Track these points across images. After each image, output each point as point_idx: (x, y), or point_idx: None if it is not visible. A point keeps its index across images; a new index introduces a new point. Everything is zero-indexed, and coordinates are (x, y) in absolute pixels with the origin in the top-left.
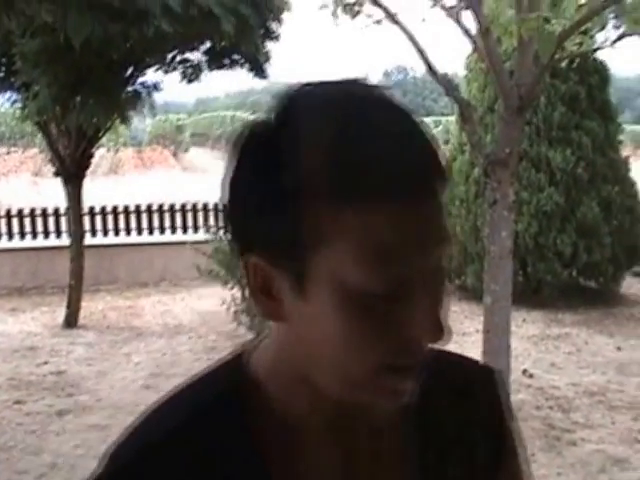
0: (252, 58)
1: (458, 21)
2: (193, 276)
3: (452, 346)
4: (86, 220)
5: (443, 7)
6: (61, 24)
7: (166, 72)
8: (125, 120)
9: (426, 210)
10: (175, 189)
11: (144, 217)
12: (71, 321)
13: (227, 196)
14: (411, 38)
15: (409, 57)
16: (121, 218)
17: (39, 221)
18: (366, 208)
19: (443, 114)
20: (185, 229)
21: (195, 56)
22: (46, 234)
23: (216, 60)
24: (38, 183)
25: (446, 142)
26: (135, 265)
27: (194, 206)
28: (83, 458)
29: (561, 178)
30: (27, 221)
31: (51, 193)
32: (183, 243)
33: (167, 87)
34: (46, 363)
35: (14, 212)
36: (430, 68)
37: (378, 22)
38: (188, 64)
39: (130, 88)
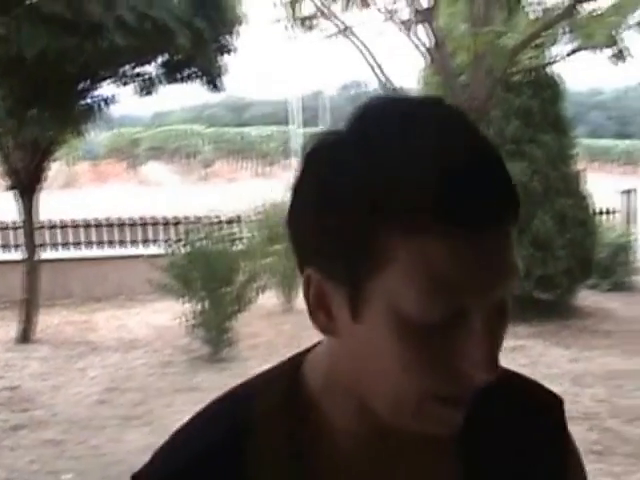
0: (207, 71)
1: (411, 35)
2: (149, 290)
3: None
4: (42, 234)
5: (397, 21)
6: (14, 36)
7: (124, 84)
8: (80, 133)
9: (492, 242)
10: (131, 203)
11: (100, 230)
12: (25, 336)
13: (290, 204)
14: (365, 52)
15: (368, 71)
16: (79, 231)
17: None
18: (427, 234)
19: None
20: (144, 242)
21: (150, 69)
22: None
23: (171, 73)
24: None
25: None
26: (91, 279)
27: (152, 219)
28: (38, 474)
29: None
30: None
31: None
32: (139, 257)
33: (124, 100)
34: (0, 378)
35: None
36: (384, 82)
37: (330, 37)
38: (143, 77)
39: (85, 102)
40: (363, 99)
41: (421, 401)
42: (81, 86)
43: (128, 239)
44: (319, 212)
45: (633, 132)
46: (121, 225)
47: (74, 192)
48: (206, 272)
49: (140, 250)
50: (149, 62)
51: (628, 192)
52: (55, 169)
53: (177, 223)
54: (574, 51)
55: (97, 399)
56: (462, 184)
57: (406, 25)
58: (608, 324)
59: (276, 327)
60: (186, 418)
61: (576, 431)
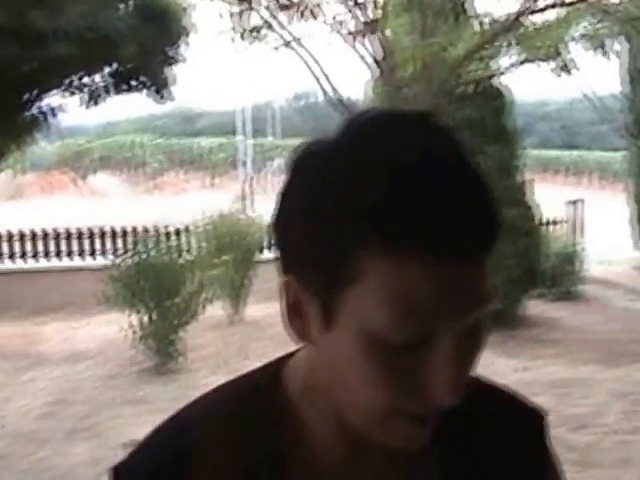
0: (154, 82)
1: (358, 47)
2: (97, 302)
3: None
4: None
5: (343, 33)
6: None
7: (71, 95)
8: (24, 144)
9: (466, 269)
10: (79, 213)
11: (47, 242)
12: None
13: (277, 209)
14: (311, 63)
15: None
16: (26, 242)
17: None
18: (402, 256)
19: None
20: (91, 254)
21: (97, 80)
22: None
23: (119, 84)
24: None
25: None
26: (38, 291)
27: (100, 230)
28: None
29: None
30: None
31: None
32: (88, 269)
33: (73, 111)
34: None
35: None
36: (330, 93)
37: (277, 48)
38: (90, 88)
39: (30, 112)
40: (313, 109)
41: (386, 415)
42: (26, 96)
43: (76, 250)
44: (303, 220)
45: (581, 143)
46: (69, 236)
47: (21, 203)
48: (154, 283)
49: (88, 261)
50: (96, 72)
51: (575, 202)
52: (1, 180)
53: (125, 234)
54: (519, 63)
55: (44, 411)
56: (443, 212)
57: (353, 37)
58: (555, 333)
59: (224, 338)
60: (133, 430)
61: None
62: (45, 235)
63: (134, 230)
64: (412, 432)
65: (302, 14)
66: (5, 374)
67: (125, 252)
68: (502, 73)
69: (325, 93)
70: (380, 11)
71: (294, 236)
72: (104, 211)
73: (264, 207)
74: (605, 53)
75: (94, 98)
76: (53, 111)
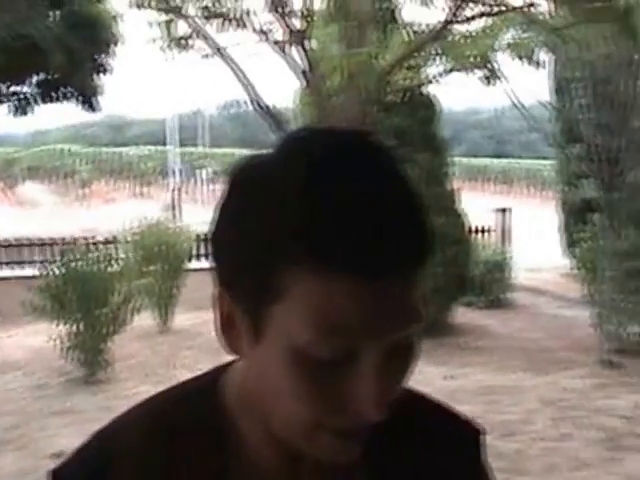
0: (83, 91)
1: (286, 56)
2: (25, 312)
3: None
4: None
5: (272, 42)
6: None
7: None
8: None
9: (390, 288)
10: (7, 223)
11: None
12: None
13: (215, 221)
14: (238, 72)
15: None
16: None
17: None
18: (326, 274)
19: None
20: (19, 264)
21: (25, 89)
22: None
23: (47, 93)
24: None
25: None
26: None
27: (28, 240)
28: None
29: None
30: None
31: None
32: (16, 278)
33: (1, 120)
34: None
35: None
36: (257, 102)
37: (206, 57)
38: (18, 96)
39: None
40: (242, 118)
41: (312, 429)
42: None
43: (4, 260)
44: (235, 234)
45: (510, 151)
46: None
47: None
48: (81, 293)
49: (16, 272)
50: (24, 81)
51: (503, 211)
52: None
53: (53, 244)
54: (446, 72)
55: None
56: (369, 233)
57: (280, 46)
58: (483, 341)
59: (152, 348)
60: (61, 441)
61: None
62: None
63: (62, 240)
64: (338, 446)
65: (229, 23)
66: None
67: (52, 262)
68: (430, 82)
69: (253, 102)
70: (305, 21)
71: (227, 249)
72: (33, 221)
73: (193, 216)
74: (530, 62)
75: (22, 107)
76: None
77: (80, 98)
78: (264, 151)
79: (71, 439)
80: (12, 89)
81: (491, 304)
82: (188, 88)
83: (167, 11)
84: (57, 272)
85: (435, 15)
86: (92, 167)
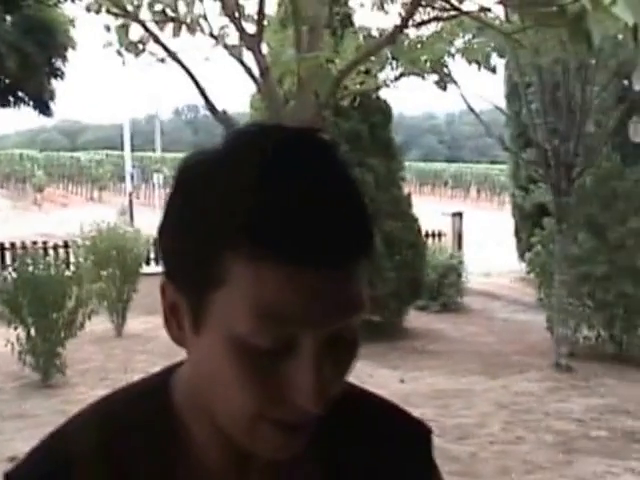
0: (37, 95)
1: (240, 61)
2: None
3: None
4: None
5: (226, 47)
6: None
7: None
8: None
9: (329, 278)
10: None
11: None
12: None
13: (163, 216)
14: (192, 76)
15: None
16: None
17: None
18: (265, 262)
19: None
20: None
21: None
22: None
23: (3, 97)
24: None
25: None
26: None
27: None
28: None
29: None
30: None
31: None
32: None
33: None
34: None
35: None
36: (210, 106)
37: (162, 61)
38: None
39: None
40: (198, 123)
41: (253, 421)
42: None
43: None
44: (179, 224)
45: (463, 156)
46: None
47: None
48: (33, 298)
49: None
50: None
51: (456, 215)
52: None
53: (5, 249)
54: (396, 77)
55: None
56: (308, 222)
57: (235, 50)
58: (437, 345)
59: (106, 352)
60: (15, 445)
61: None
62: None
63: (12, 245)
64: (280, 440)
65: (185, 27)
66: None
67: (5, 267)
68: (379, 87)
69: (208, 107)
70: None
71: (172, 239)
72: None
73: (147, 220)
74: (484, 67)
75: None
76: None
77: (34, 102)
78: (211, 146)
79: (25, 443)
80: None
81: (445, 308)
82: (144, 93)
83: (122, 16)
84: (9, 278)
85: (392, 20)
86: (47, 172)
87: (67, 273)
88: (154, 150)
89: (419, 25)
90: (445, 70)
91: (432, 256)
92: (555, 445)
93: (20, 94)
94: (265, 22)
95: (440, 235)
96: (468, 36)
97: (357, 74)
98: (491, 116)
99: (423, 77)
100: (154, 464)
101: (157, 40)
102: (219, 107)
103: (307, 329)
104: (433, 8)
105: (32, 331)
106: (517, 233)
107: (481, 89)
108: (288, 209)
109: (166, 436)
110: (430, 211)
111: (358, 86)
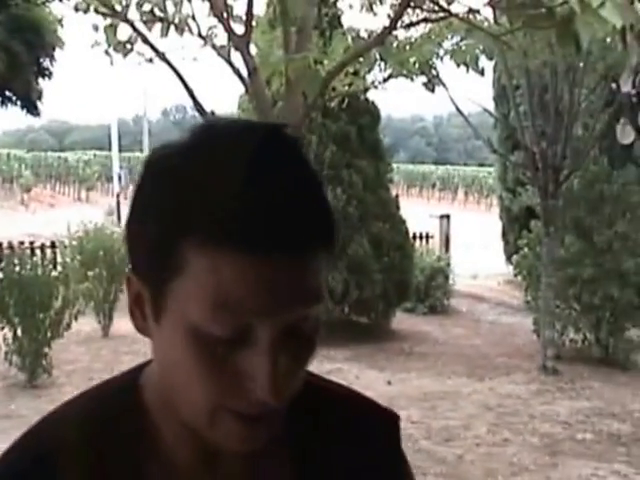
0: (24, 95)
1: (229, 61)
2: None
3: None
4: None
5: (214, 47)
6: None
7: None
8: None
9: (285, 267)
10: None
11: None
12: None
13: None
14: (180, 77)
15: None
16: None
17: None
18: (219, 252)
19: None
20: None
21: None
22: None
23: None
24: None
25: None
26: None
27: None
28: None
29: None
30: None
31: None
32: None
33: None
34: None
35: None
36: (198, 107)
37: (150, 61)
38: None
39: None
40: (187, 123)
41: (215, 413)
42: None
43: None
44: (142, 214)
45: (451, 158)
46: None
47: None
48: (20, 298)
49: None
50: None
51: (443, 218)
52: None
53: None
54: (384, 79)
55: None
56: (263, 212)
57: (223, 51)
58: (423, 347)
59: (93, 352)
60: (1, 446)
61: None
62: None
63: (3, 245)
64: (243, 432)
65: (173, 28)
66: None
67: None
68: (367, 89)
69: (196, 107)
70: (247, 26)
71: (135, 231)
72: None
73: None
74: (473, 69)
75: None
76: None
77: (23, 102)
78: (177, 139)
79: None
80: None
81: (432, 310)
82: (132, 93)
83: (110, 15)
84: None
85: (381, 21)
86: (34, 172)
87: (54, 273)
88: (142, 151)
89: (408, 27)
90: (433, 72)
91: (419, 258)
92: (541, 447)
93: (7, 93)
94: (254, 23)
95: (428, 237)
96: (457, 38)
97: (345, 75)
98: (479, 118)
99: (411, 79)
100: (123, 463)
101: (145, 40)
102: (207, 108)
103: (262, 319)
104: (422, 10)
105: (19, 331)
106: (504, 236)
107: (469, 91)
108: (243, 199)
109: (135, 434)
110: (418, 213)
111: (346, 87)
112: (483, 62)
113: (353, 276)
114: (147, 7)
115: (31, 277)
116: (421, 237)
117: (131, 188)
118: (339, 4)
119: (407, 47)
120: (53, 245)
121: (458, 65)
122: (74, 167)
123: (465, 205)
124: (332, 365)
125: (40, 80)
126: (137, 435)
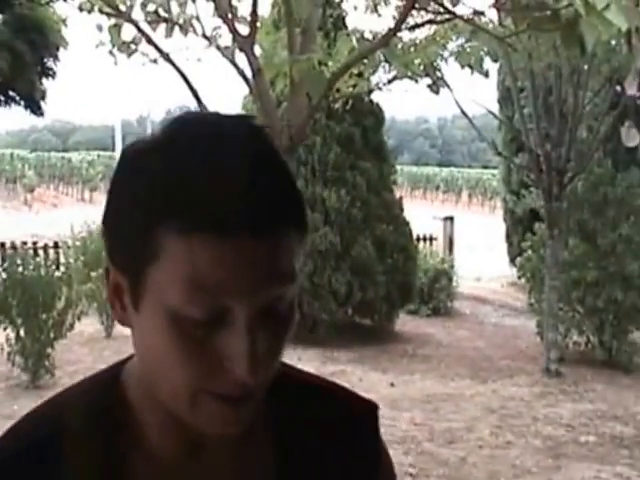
0: (28, 95)
1: (233, 62)
2: None
3: None
4: None
5: (219, 48)
6: None
7: None
8: None
9: (258, 248)
10: None
11: None
12: None
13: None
14: (184, 77)
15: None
16: None
17: None
18: (193, 235)
19: None
20: None
21: None
22: None
23: None
24: None
25: None
26: None
27: None
28: None
29: (336, 218)
30: None
31: None
32: None
33: None
34: None
35: None
36: (202, 108)
37: (154, 61)
38: None
39: None
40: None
41: (195, 395)
42: None
43: None
44: (118, 204)
45: (455, 160)
46: None
47: None
48: (23, 298)
49: None
50: None
51: (447, 220)
52: None
53: None
54: (389, 81)
55: None
56: (228, 194)
57: (227, 52)
58: (427, 349)
59: (96, 353)
60: None
61: (392, 455)
62: None
63: (6, 245)
64: (225, 414)
65: (178, 28)
66: None
67: None
68: (372, 90)
69: (200, 108)
70: (251, 27)
71: (111, 223)
72: None
73: None
74: (477, 71)
75: None
76: None
77: (25, 102)
78: (150, 133)
79: None
80: None
81: (436, 312)
82: (136, 94)
83: (114, 16)
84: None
85: (386, 23)
86: (38, 172)
87: (57, 274)
88: None
89: (412, 28)
90: (438, 74)
91: (423, 260)
92: (544, 450)
93: (11, 93)
94: (258, 24)
95: (431, 239)
96: (461, 40)
97: (350, 77)
98: (483, 121)
99: (416, 80)
100: (105, 457)
101: (149, 40)
102: (211, 109)
103: (238, 299)
104: (427, 11)
105: (21, 332)
106: (508, 238)
107: (474, 93)
108: (213, 184)
109: (118, 429)
110: (421, 215)
111: (351, 89)
112: (488, 64)
113: (356, 278)
114: (151, 7)
115: (34, 277)
116: (425, 239)
117: None
118: (344, 5)
119: (412, 49)
120: (56, 245)
121: (462, 67)
122: (78, 167)
123: (469, 207)
124: (335, 367)
125: (44, 80)
126: (120, 429)
